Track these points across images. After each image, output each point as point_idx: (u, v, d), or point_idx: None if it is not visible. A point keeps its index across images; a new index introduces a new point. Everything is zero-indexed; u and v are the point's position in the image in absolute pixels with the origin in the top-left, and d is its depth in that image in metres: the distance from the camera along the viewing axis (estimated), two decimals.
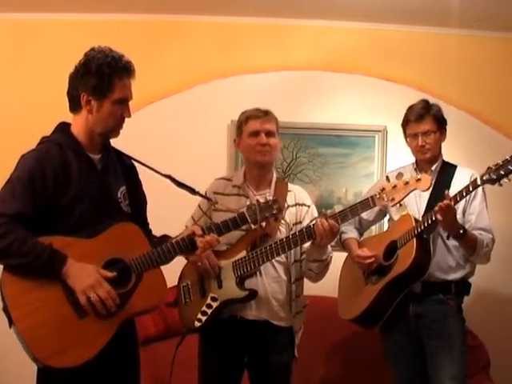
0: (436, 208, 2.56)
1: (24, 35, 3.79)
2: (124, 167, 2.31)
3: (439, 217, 2.56)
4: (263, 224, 2.48)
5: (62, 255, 2.02)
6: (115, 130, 2.19)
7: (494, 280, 3.61)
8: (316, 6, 3.64)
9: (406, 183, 2.41)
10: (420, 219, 2.69)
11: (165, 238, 2.29)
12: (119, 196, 2.23)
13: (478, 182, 2.54)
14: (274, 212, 2.42)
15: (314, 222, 2.49)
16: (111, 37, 3.56)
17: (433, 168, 2.81)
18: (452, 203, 2.54)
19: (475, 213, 2.76)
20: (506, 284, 3.76)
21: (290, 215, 2.64)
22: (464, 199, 2.63)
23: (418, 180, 2.41)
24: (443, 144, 2.89)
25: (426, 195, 2.76)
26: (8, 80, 3.76)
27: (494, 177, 2.49)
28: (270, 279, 2.57)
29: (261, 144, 2.59)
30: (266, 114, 2.63)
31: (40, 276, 2.00)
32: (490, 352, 3.41)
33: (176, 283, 2.67)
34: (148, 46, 3.80)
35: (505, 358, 3.58)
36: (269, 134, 2.61)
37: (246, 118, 2.64)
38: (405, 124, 2.86)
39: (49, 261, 1.99)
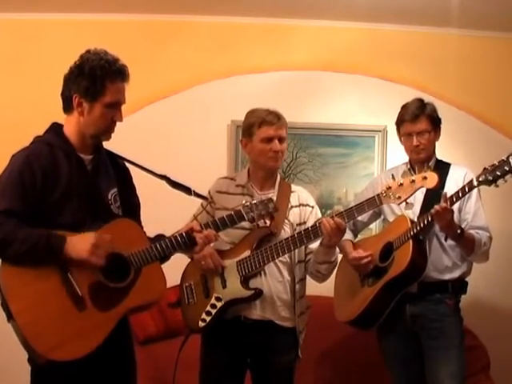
0: (432, 211, 2.54)
1: (24, 35, 3.79)
2: (117, 170, 2.31)
3: (437, 219, 2.55)
4: (259, 222, 2.49)
5: (60, 235, 2.03)
6: (106, 133, 2.19)
7: (493, 280, 3.61)
8: (316, 6, 3.64)
9: (413, 181, 2.41)
10: (415, 220, 2.68)
11: (160, 237, 2.28)
12: (109, 198, 2.23)
13: (474, 183, 2.51)
14: (270, 210, 2.43)
15: (318, 221, 2.49)
16: (111, 37, 3.58)
17: None
18: (449, 205, 2.52)
19: (471, 212, 2.75)
20: (505, 284, 3.76)
21: (293, 215, 2.64)
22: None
23: (425, 178, 2.41)
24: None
25: (421, 195, 2.75)
26: (7, 80, 3.76)
27: (490, 178, 2.47)
28: (274, 279, 2.57)
29: (274, 151, 2.59)
30: (279, 120, 2.61)
31: (41, 264, 2.00)
32: (489, 352, 3.41)
33: (177, 283, 2.67)
34: (148, 46, 3.81)
35: (505, 358, 3.58)
36: (281, 140, 2.61)
37: (260, 122, 2.61)
38: (399, 123, 2.85)
39: (49, 242, 2.00)
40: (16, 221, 2.00)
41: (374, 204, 2.49)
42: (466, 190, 2.54)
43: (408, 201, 2.45)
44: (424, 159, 2.81)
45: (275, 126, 2.59)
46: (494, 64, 3.90)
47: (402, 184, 2.42)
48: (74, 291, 2.03)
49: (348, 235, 2.90)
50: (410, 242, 2.61)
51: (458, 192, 2.55)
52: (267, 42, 3.87)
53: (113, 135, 2.22)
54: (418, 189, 2.43)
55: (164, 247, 2.21)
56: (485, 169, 2.50)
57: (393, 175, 2.51)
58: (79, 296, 2.04)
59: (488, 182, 2.48)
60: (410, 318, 2.74)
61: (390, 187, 2.43)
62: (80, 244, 2.03)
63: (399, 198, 2.42)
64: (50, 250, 2.01)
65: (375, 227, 3.51)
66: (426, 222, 2.59)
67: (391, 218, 2.84)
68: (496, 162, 2.47)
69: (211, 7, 3.69)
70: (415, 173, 2.66)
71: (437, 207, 2.52)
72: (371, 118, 3.82)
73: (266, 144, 2.59)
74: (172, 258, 2.32)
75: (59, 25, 3.78)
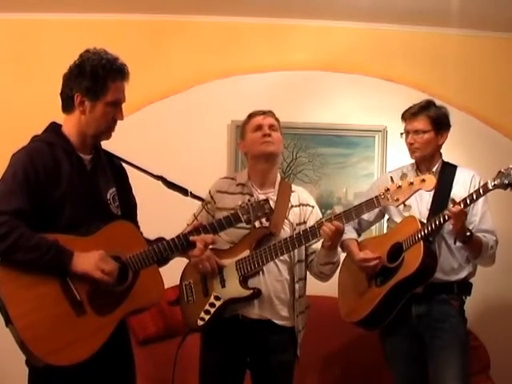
0: (448, 213, 2.54)
1: (24, 35, 3.79)
2: (114, 169, 2.32)
3: (452, 222, 2.56)
4: (256, 223, 2.50)
5: (69, 250, 2.03)
6: (107, 132, 2.20)
7: (494, 281, 3.60)
8: (316, 6, 3.64)
9: (411, 184, 2.42)
10: (423, 221, 2.67)
11: (160, 239, 2.28)
12: (108, 197, 2.23)
13: (490, 186, 2.52)
14: (266, 212, 2.45)
15: (318, 223, 2.50)
16: (111, 37, 3.58)
17: (434, 169, 2.80)
18: (463, 208, 2.53)
19: (478, 214, 2.75)
20: (506, 285, 3.76)
21: (293, 215, 2.65)
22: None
23: (423, 180, 2.42)
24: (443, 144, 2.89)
25: (428, 197, 2.75)
26: (8, 80, 3.76)
27: (506, 182, 2.48)
28: (273, 278, 2.58)
29: (264, 134, 2.62)
30: (266, 112, 2.69)
31: (44, 272, 2.00)
32: (490, 352, 3.41)
33: (177, 283, 2.67)
34: (148, 46, 3.81)
35: (505, 358, 3.57)
36: (271, 127, 2.65)
37: (249, 116, 2.71)
38: (402, 121, 2.87)
39: (56, 255, 2.00)
40: (26, 223, 2.00)
41: (372, 206, 2.49)
42: (481, 192, 2.54)
43: (406, 203, 2.45)
44: (419, 159, 2.82)
45: (263, 116, 2.68)
46: (493, 64, 3.90)
47: (400, 186, 2.43)
48: (72, 296, 2.03)
49: (352, 234, 2.91)
50: (421, 243, 2.60)
51: (471, 194, 2.55)
52: (267, 42, 3.87)
53: (113, 135, 2.23)
54: (417, 191, 2.43)
55: (162, 249, 2.21)
56: (500, 172, 2.51)
57: (391, 177, 2.51)
58: (78, 301, 2.04)
59: (504, 186, 2.50)
60: (416, 318, 2.73)
61: (388, 189, 2.44)
62: (86, 260, 2.04)
63: (397, 200, 2.43)
64: (56, 263, 2.01)
65: (375, 228, 3.51)
66: (437, 224, 2.59)
67: (397, 219, 2.84)
68: (511, 166, 2.49)
69: (211, 7, 3.70)
70: (421, 173, 2.69)
71: (453, 210, 2.53)
72: (371, 118, 3.82)
73: (256, 132, 2.65)
74: None
75: (59, 25, 3.78)
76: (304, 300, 2.66)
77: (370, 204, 2.49)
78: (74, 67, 2.15)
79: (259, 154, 2.65)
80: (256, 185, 2.68)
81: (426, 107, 2.81)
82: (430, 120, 2.78)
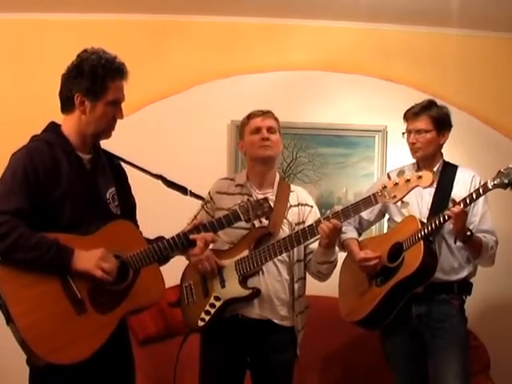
0: (449, 213, 2.55)
1: (24, 35, 3.79)
2: (114, 169, 2.32)
3: (453, 221, 2.56)
4: (255, 222, 2.51)
5: (69, 248, 2.03)
6: (107, 131, 2.20)
7: (494, 281, 3.60)
8: (316, 6, 3.64)
9: (408, 180, 2.42)
10: (424, 221, 2.68)
11: (160, 239, 2.28)
12: (108, 197, 2.24)
13: (489, 186, 2.52)
14: (265, 210, 2.46)
15: (316, 222, 2.50)
16: (111, 37, 3.58)
17: (434, 169, 2.79)
18: (463, 208, 2.53)
19: (478, 215, 2.75)
20: (506, 285, 3.76)
21: (292, 215, 2.65)
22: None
23: (420, 177, 2.42)
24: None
25: (428, 197, 2.76)
26: (8, 80, 3.76)
27: (506, 181, 2.49)
28: (273, 279, 2.58)
29: (262, 138, 2.62)
30: (265, 112, 2.68)
31: (45, 271, 2.00)
32: (490, 352, 3.41)
33: (177, 283, 2.67)
34: (148, 46, 3.81)
35: (505, 358, 3.57)
36: (270, 129, 2.65)
37: (248, 117, 2.70)
38: (404, 120, 2.87)
39: (57, 254, 2.00)
40: (26, 223, 2.00)
41: (369, 203, 2.49)
42: (481, 192, 2.55)
43: (404, 199, 2.46)
44: (420, 158, 2.82)
45: (261, 117, 2.66)
46: (493, 64, 3.90)
47: (397, 183, 2.43)
48: (73, 294, 2.03)
49: (353, 233, 2.91)
50: (421, 242, 2.60)
51: (471, 194, 2.56)
52: (267, 42, 3.87)
53: (113, 134, 2.23)
54: (414, 188, 2.44)
55: (162, 248, 2.21)
56: (499, 172, 2.52)
57: (388, 174, 2.52)
58: (79, 299, 2.04)
59: (504, 186, 2.50)
60: (416, 318, 2.73)
61: (385, 186, 2.44)
62: (87, 258, 2.04)
63: (394, 197, 2.43)
64: (57, 262, 2.01)
65: (375, 227, 3.51)
66: (437, 223, 2.60)
67: (398, 218, 2.84)
68: (511, 165, 2.49)
69: (211, 7, 3.70)
70: None
71: (454, 210, 2.53)
72: (371, 118, 3.82)
73: (255, 135, 2.64)
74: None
75: (59, 25, 3.78)
76: (303, 300, 2.67)
77: (367, 201, 2.48)
78: (73, 68, 2.15)
79: (257, 157, 2.66)
80: (255, 185, 2.69)
81: (427, 107, 2.81)
82: (431, 120, 2.79)
